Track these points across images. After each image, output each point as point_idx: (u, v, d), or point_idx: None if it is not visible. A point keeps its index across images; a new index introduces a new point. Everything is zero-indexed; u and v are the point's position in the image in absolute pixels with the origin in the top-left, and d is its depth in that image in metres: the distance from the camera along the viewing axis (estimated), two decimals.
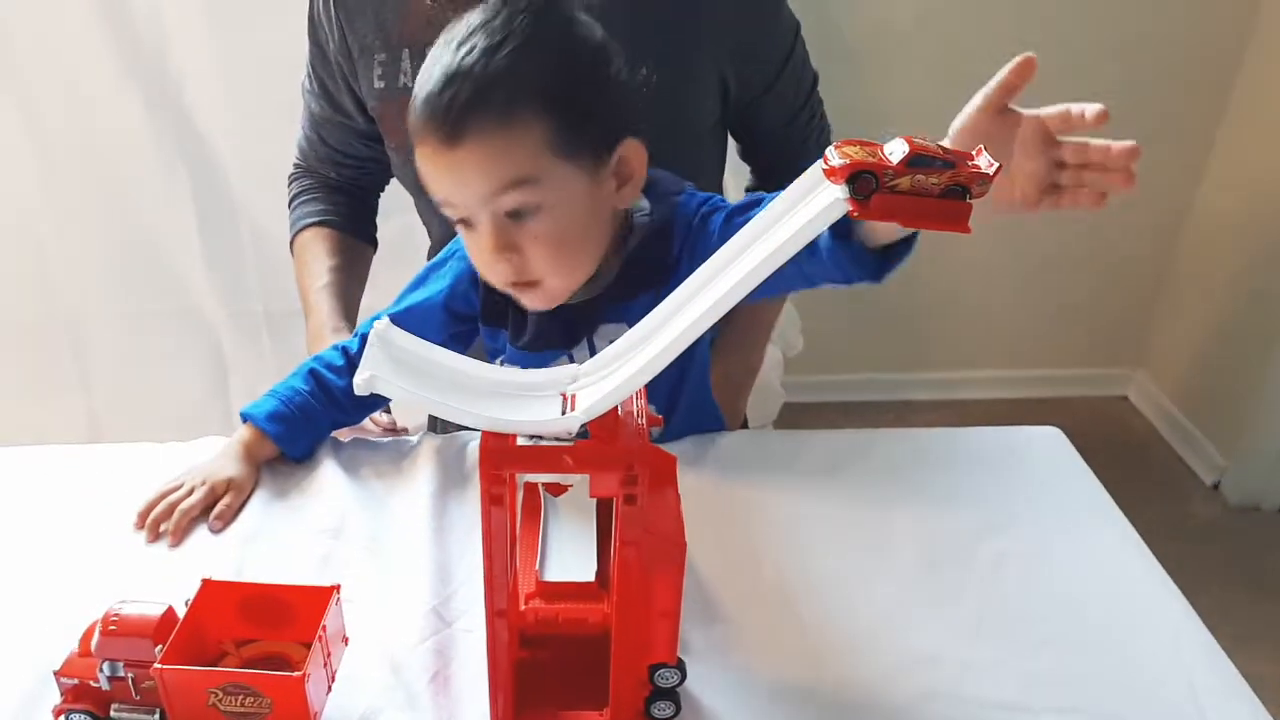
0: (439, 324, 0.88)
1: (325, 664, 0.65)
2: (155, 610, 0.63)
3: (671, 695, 0.63)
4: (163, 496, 0.85)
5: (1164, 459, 2.17)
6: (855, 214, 0.48)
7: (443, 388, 0.54)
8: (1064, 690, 0.69)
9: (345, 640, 0.69)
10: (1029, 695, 0.69)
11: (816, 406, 2.21)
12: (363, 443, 0.95)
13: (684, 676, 0.63)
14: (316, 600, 0.66)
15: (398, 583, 0.78)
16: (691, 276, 0.54)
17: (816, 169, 0.51)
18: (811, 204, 0.50)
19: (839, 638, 0.73)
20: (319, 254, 1.11)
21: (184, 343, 1.84)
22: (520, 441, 0.57)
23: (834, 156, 0.49)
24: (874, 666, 0.71)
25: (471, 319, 0.88)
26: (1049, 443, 0.97)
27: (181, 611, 0.65)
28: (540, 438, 0.59)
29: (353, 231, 1.15)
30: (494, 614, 0.60)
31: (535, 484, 0.77)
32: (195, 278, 1.80)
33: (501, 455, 0.54)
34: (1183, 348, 2.22)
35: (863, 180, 0.47)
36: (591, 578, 0.69)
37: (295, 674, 0.61)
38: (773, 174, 1.11)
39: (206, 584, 0.67)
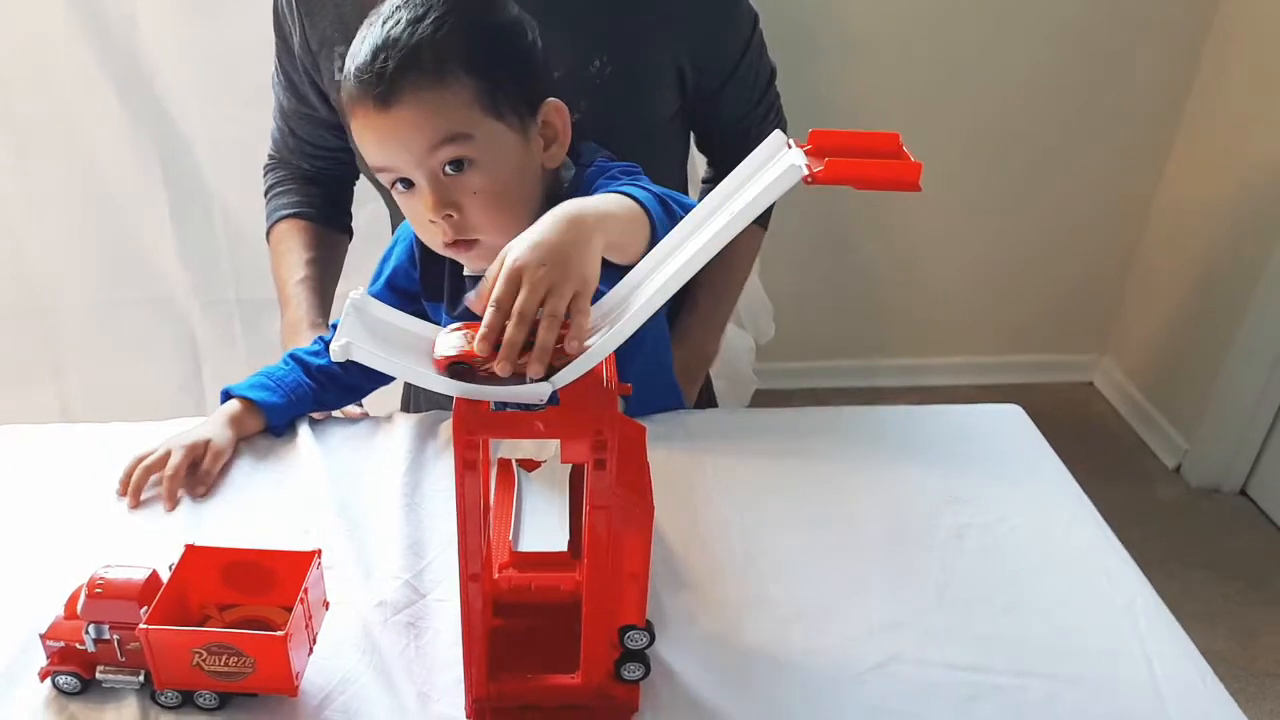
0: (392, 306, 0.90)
1: (307, 626, 0.66)
2: (140, 574, 0.64)
3: (641, 657, 0.65)
4: (139, 462, 0.86)
5: (1127, 443, 2.22)
6: (810, 180, 0.50)
7: (417, 355, 0.56)
8: (1020, 654, 0.72)
9: (326, 605, 0.71)
10: (987, 658, 0.72)
11: (787, 393, 2.24)
12: (338, 420, 0.97)
13: (653, 638, 0.65)
14: (298, 565, 0.68)
15: (373, 556, 0.79)
16: (656, 247, 0.56)
17: (776, 137, 0.53)
18: (770, 171, 0.52)
19: (804, 605, 0.76)
20: (295, 247, 1.12)
21: (157, 331, 1.84)
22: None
23: (442, 344, 0.57)
24: (838, 632, 0.74)
25: (417, 297, 0.91)
26: (1010, 420, 1.00)
27: (165, 576, 0.66)
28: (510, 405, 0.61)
29: (327, 222, 1.16)
30: (468, 578, 0.61)
31: (509, 460, 0.79)
32: (168, 266, 1.80)
33: (475, 421, 0.56)
34: (1146, 334, 2.27)
35: (461, 369, 0.55)
36: (563, 547, 0.71)
37: (278, 634, 0.62)
38: (729, 166, 1.12)
39: (190, 549, 0.68)
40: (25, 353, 1.82)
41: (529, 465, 0.79)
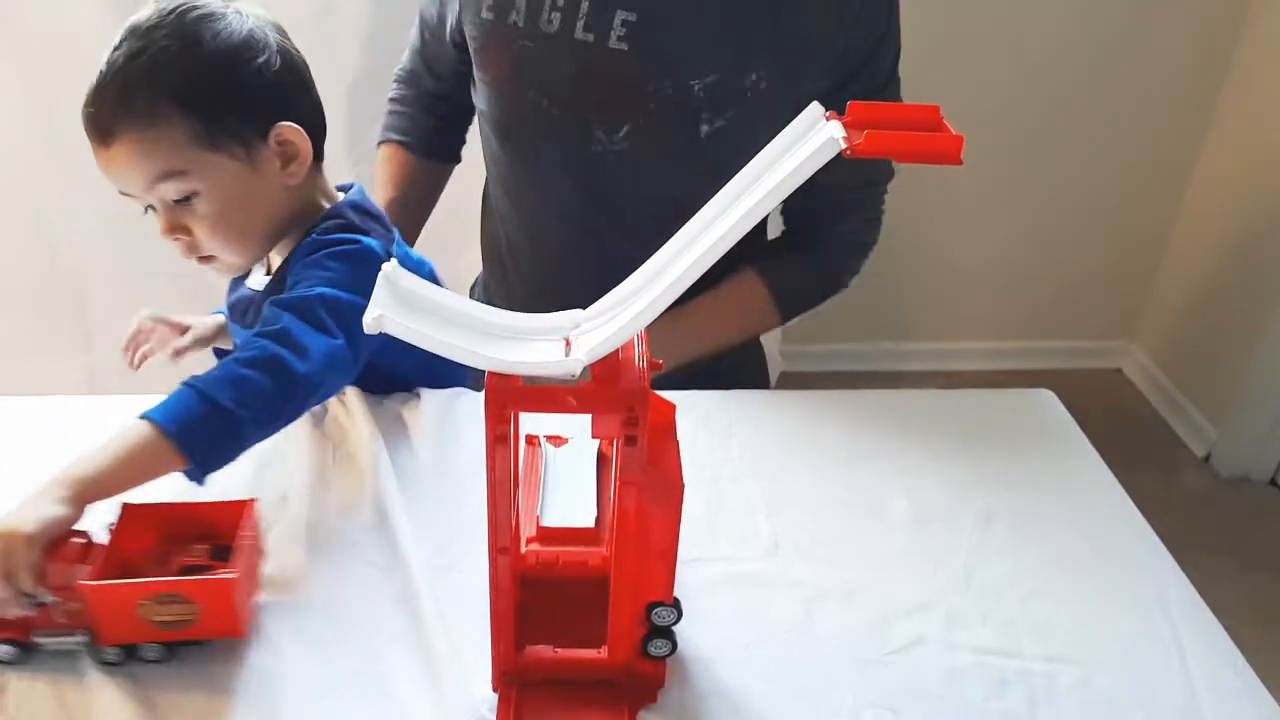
0: None
1: (248, 571, 0.69)
2: (74, 539, 0.65)
3: (668, 634, 0.65)
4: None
5: (1156, 431, 2.20)
6: (849, 153, 0.49)
7: (448, 329, 0.55)
8: (1050, 640, 0.72)
9: (262, 552, 0.73)
10: (1016, 643, 0.71)
11: (811, 375, 2.23)
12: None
13: (680, 615, 0.65)
14: (234, 513, 0.70)
15: (397, 532, 0.79)
16: (690, 222, 0.55)
17: (814, 109, 0.52)
18: (807, 143, 0.51)
19: (830, 585, 0.75)
20: (383, 181, 1.16)
21: (183, 303, 1.84)
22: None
23: None
24: (865, 613, 0.73)
25: None
26: (1042, 404, 0.99)
27: (104, 538, 0.67)
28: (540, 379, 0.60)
29: (429, 153, 1.18)
30: (497, 551, 0.61)
31: (536, 436, 0.79)
32: None
33: (506, 395, 0.55)
34: (1176, 320, 2.24)
35: None
36: (590, 523, 0.71)
37: (225, 576, 0.65)
38: (801, 230, 1.12)
39: (126, 507, 0.70)
40: (55, 324, 1.84)
41: (556, 441, 0.79)
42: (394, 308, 0.54)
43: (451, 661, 0.68)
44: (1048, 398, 0.99)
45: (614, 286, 0.58)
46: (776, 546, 0.79)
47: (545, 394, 0.56)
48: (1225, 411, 2.06)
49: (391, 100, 1.20)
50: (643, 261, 0.57)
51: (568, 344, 0.59)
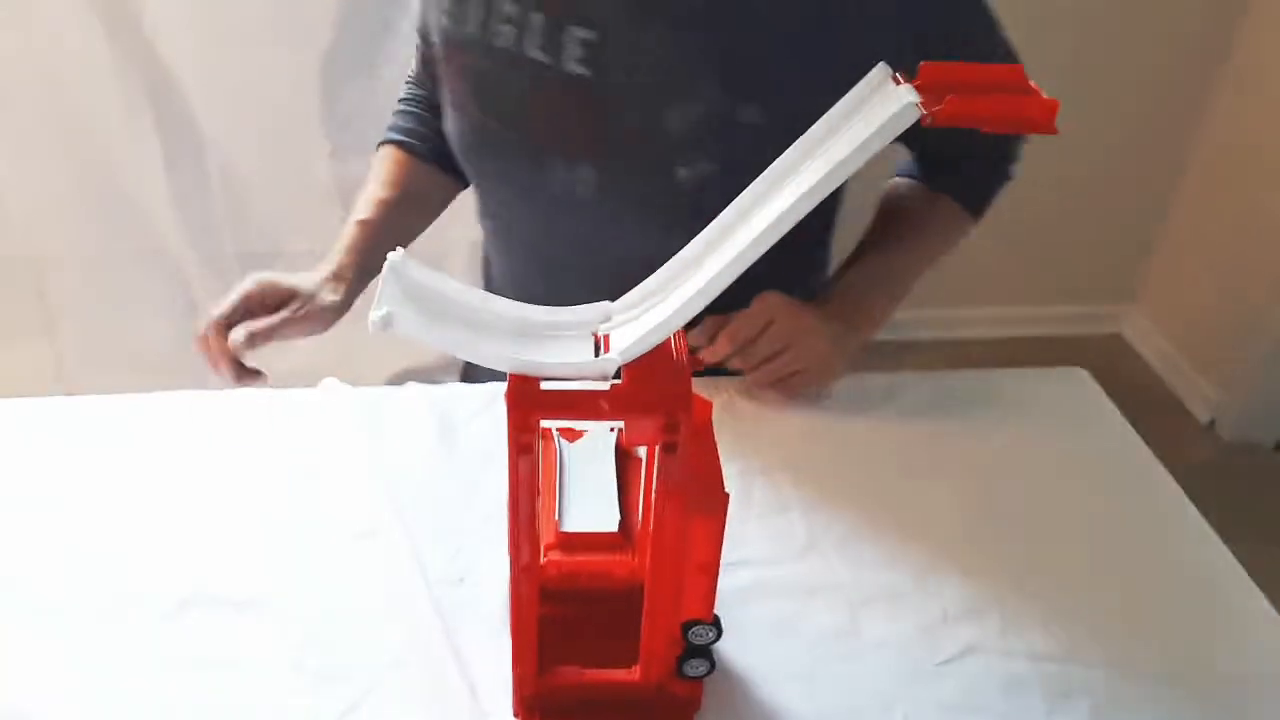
0: None
1: None
2: None
3: (705, 653, 0.59)
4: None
5: (1157, 397, 2.17)
6: (928, 120, 0.43)
7: (466, 326, 0.49)
8: (1112, 643, 0.67)
9: None
10: (1076, 648, 0.66)
11: None
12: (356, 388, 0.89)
13: (720, 633, 0.59)
14: None
15: (402, 542, 0.73)
16: (739, 198, 0.49)
17: (881, 70, 0.46)
18: (877, 111, 0.44)
19: (873, 590, 0.70)
20: (376, 182, 1.00)
21: (152, 284, 1.76)
22: (544, 385, 0.52)
23: None
24: (911, 620, 0.68)
25: None
26: (1075, 384, 0.93)
27: None
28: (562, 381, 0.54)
29: (436, 159, 1.01)
30: (520, 570, 0.55)
31: (549, 430, 0.72)
32: (162, 217, 1.71)
33: (531, 400, 0.49)
34: (1179, 283, 2.20)
35: None
36: (613, 527, 0.65)
37: None
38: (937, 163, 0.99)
39: None
40: (16, 309, 1.75)
41: (570, 436, 0.72)
42: (404, 304, 0.47)
43: (463, 686, 0.61)
44: (1081, 376, 0.94)
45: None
46: (811, 547, 0.73)
47: (574, 399, 0.50)
48: (1229, 376, 2.02)
49: (402, 100, 1.06)
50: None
51: (596, 340, 0.52)
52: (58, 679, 0.61)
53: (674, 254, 0.47)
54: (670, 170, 0.81)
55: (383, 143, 1.04)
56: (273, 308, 0.86)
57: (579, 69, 0.80)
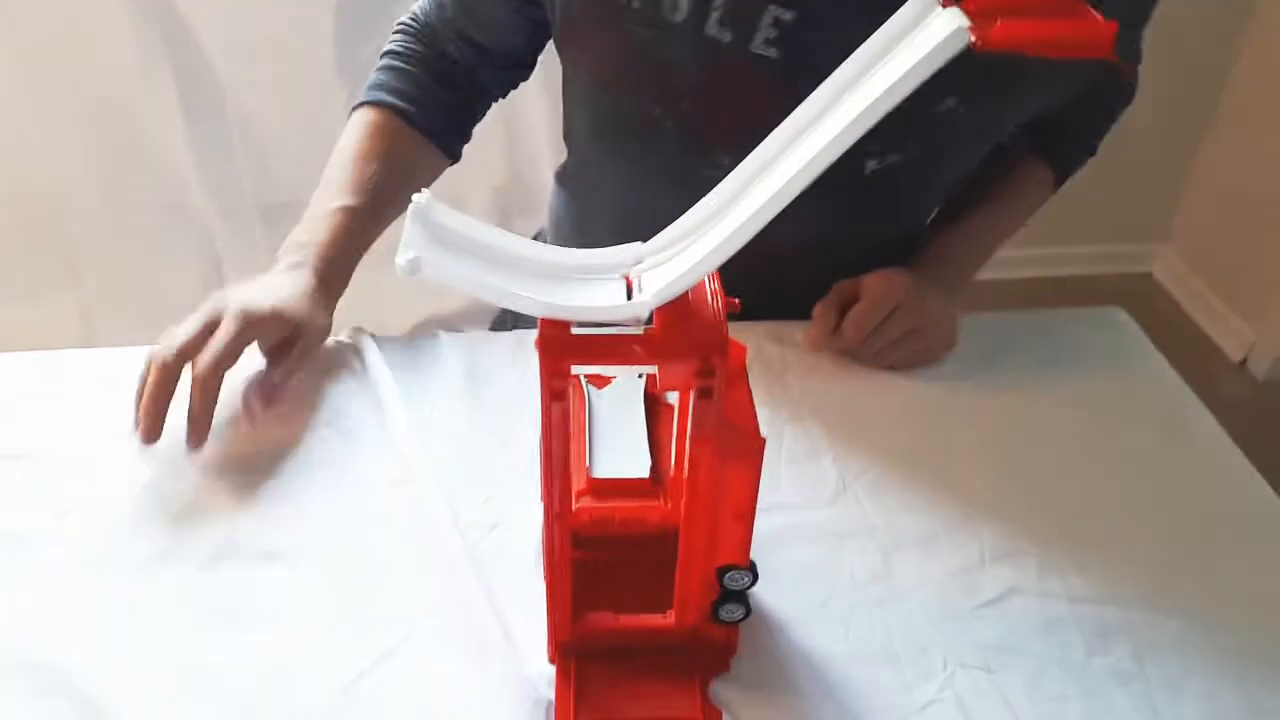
0: None
1: None
2: None
3: (741, 598, 0.59)
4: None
5: (1189, 336, 2.13)
6: (978, 45, 0.41)
7: (494, 270, 0.48)
8: (1152, 586, 0.66)
9: None
10: (1116, 590, 0.65)
11: None
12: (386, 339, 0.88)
13: (755, 578, 0.58)
14: None
15: (434, 490, 0.72)
16: (776, 130, 0.47)
17: None
18: (924, 36, 0.42)
19: (908, 534, 0.69)
20: (364, 149, 0.85)
21: (174, 237, 1.76)
22: (574, 330, 0.50)
23: None
24: (948, 563, 0.67)
25: None
26: (1113, 324, 0.92)
27: None
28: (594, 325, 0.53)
29: (431, 132, 0.89)
30: (553, 517, 0.54)
31: (577, 376, 0.71)
32: (182, 169, 1.70)
33: (563, 346, 0.48)
34: (1211, 223, 2.15)
35: None
36: (645, 473, 0.64)
37: None
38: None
39: None
40: (41, 262, 1.75)
41: (599, 382, 0.72)
42: (431, 247, 0.46)
43: (499, 632, 0.61)
44: (1121, 317, 0.92)
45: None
46: (844, 491, 0.72)
47: (607, 343, 0.48)
48: (1263, 313, 1.98)
49: (390, 55, 0.90)
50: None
51: (628, 283, 0.51)
52: (95, 632, 0.61)
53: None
54: (859, 162, 0.78)
55: (364, 103, 0.88)
56: (270, 344, 0.76)
57: (767, 51, 0.74)
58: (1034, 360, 0.85)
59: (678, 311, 0.49)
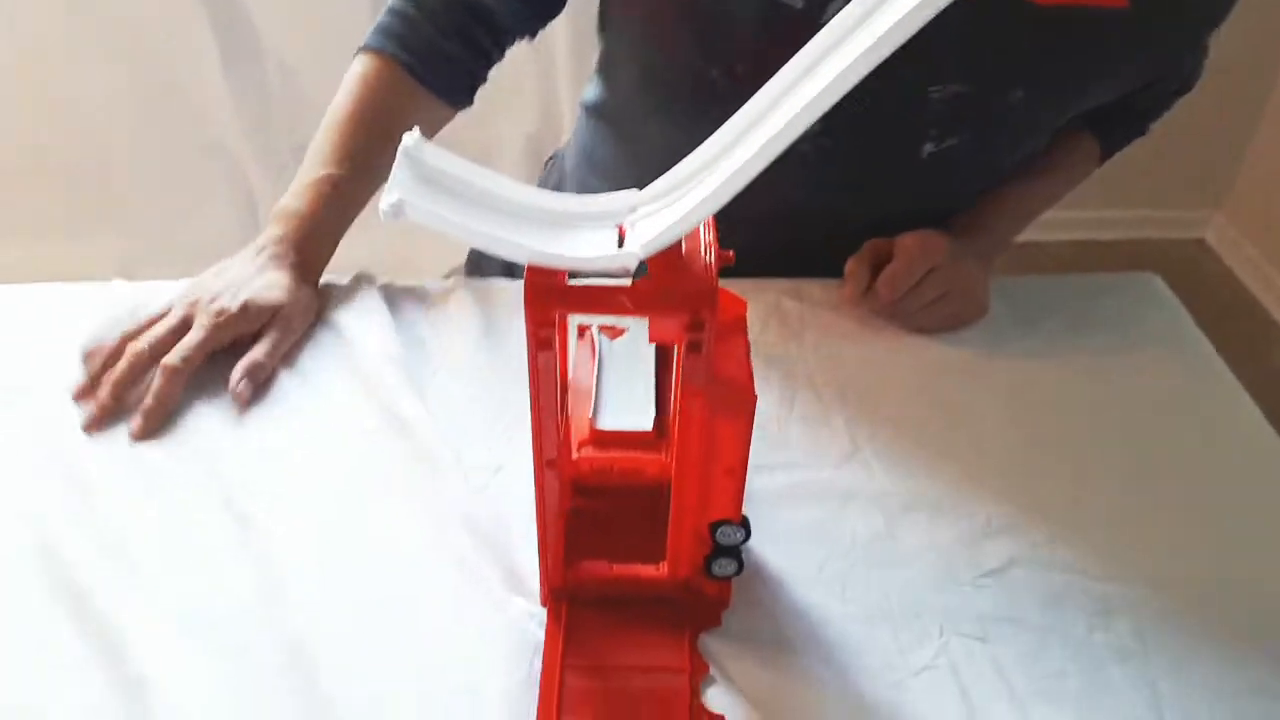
0: None
1: None
2: None
3: (734, 553, 0.59)
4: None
5: (1241, 304, 2.07)
6: None
7: (483, 214, 0.47)
8: (1162, 561, 0.64)
9: None
10: (1124, 565, 0.63)
11: None
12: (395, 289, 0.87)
13: (748, 534, 0.58)
14: None
15: (440, 432, 0.72)
16: (774, 78, 0.45)
17: None
18: None
19: (915, 498, 0.68)
20: (362, 105, 0.83)
21: (211, 178, 1.77)
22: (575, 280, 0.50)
23: None
24: (953, 529, 0.66)
25: None
26: (1147, 290, 0.88)
27: None
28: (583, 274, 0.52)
29: (437, 89, 0.85)
30: (543, 464, 0.54)
31: (588, 326, 0.71)
32: (219, 111, 1.72)
33: (550, 295, 0.47)
34: (1267, 190, 2.07)
35: None
36: (648, 426, 0.63)
37: None
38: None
39: None
40: (80, 205, 1.78)
41: (611, 333, 0.71)
42: (418, 190, 0.45)
43: (494, 572, 0.62)
44: (1154, 284, 0.89)
45: None
46: (854, 452, 0.71)
47: (594, 293, 0.48)
48: None
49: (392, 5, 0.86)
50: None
51: (621, 232, 0.50)
52: (122, 571, 0.61)
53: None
54: (917, 144, 0.78)
55: (366, 48, 0.84)
56: (245, 336, 0.75)
57: None
58: (1060, 326, 0.82)
59: (669, 263, 0.48)
